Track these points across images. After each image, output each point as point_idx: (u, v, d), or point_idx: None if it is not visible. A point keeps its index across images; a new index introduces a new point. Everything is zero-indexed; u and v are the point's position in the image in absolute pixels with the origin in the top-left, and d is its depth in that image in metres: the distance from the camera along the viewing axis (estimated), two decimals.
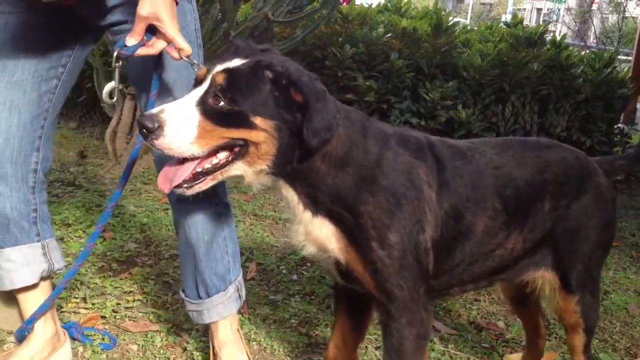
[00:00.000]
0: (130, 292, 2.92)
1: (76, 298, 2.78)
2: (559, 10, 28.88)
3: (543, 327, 2.45)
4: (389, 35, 5.77)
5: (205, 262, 2.17)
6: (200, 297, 2.21)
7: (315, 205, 1.77)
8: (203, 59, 2.13)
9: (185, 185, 1.68)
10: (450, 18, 6.21)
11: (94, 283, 2.94)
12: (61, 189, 4.31)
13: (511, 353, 2.70)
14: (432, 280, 1.90)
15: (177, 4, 1.85)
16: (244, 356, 2.30)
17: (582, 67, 5.69)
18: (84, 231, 3.54)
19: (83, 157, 5.26)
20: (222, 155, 1.68)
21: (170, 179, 1.68)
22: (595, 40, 13.10)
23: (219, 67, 1.66)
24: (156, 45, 1.85)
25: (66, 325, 2.44)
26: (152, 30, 1.83)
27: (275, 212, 4.22)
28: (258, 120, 1.61)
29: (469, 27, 7.38)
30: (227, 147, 1.67)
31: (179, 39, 1.83)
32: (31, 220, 2.13)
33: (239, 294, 2.28)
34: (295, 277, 3.30)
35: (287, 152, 1.66)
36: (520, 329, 2.81)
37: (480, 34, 6.15)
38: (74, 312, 2.69)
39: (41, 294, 2.19)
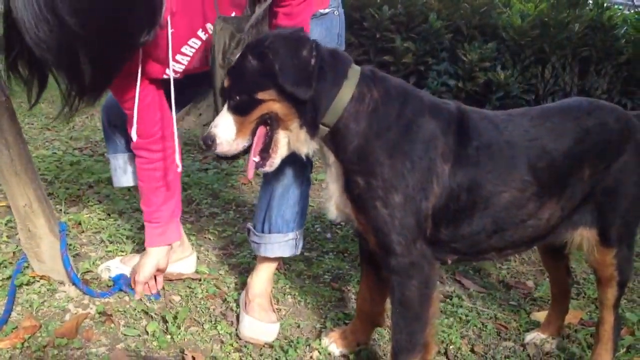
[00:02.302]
0: None
1: (122, 252, 2.95)
2: None
3: (569, 284, 2.51)
4: None
5: (278, 202, 2.42)
6: (263, 231, 2.47)
7: (344, 174, 1.94)
8: None
9: (261, 167, 1.99)
10: None
11: (139, 238, 3.10)
12: None
13: (538, 311, 2.77)
14: (453, 244, 2.01)
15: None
16: (271, 311, 2.50)
17: (625, 27, 5.58)
18: (128, 189, 3.69)
19: None
20: (268, 129, 1.94)
21: (248, 169, 2.00)
22: None
23: (227, 72, 1.97)
24: None
25: (115, 277, 2.63)
26: None
27: (311, 173, 4.32)
28: (260, 95, 1.85)
29: None
30: (265, 124, 1.92)
31: None
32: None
33: (296, 244, 2.51)
34: (329, 235, 3.42)
35: (304, 106, 1.86)
36: (548, 288, 2.88)
37: None
38: None
39: None
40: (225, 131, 1.92)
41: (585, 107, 2.09)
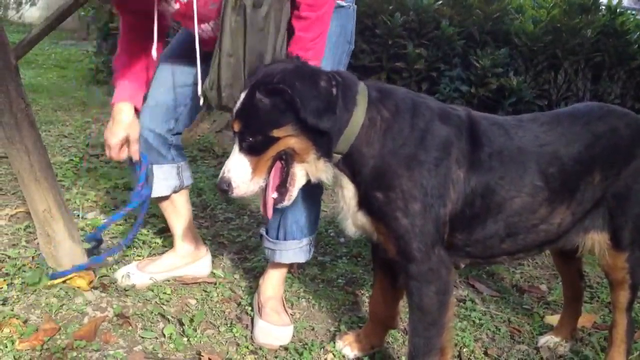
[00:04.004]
0: None
1: (139, 256, 2.99)
2: None
3: (582, 288, 2.52)
4: (440, 2, 5.73)
5: (293, 211, 2.43)
6: (278, 238, 2.50)
7: (359, 192, 1.95)
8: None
9: (280, 202, 1.97)
10: None
11: (155, 242, 3.15)
12: None
13: (552, 315, 2.78)
14: (467, 248, 2.03)
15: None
16: (284, 314, 2.52)
17: (638, 33, 5.56)
18: None
19: None
20: (283, 164, 1.93)
21: (267, 206, 1.98)
22: None
23: (234, 115, 1.91)
24: None
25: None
26: None
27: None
28: (276, 133, 1.83)
29: None
30: (280, 159, 1.91)
31: None
32: (169, 150, 2.68)
33: (310, 249, 2.55)
34: (342, 240, 3.45)
35: (322, 137, 1.85)
36: (562, 292, 2.88)
37: (533, 0, 6.06)
38: None
39: (172, 205, 2.81)
40: (241, 173, 1.89)
41: (596, 113, 2.11)
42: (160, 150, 2.65)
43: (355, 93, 1.90)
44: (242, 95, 1.90)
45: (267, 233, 2.57)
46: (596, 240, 2.14)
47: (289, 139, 1.84)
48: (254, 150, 1.87)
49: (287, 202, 1.98)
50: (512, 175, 1.96)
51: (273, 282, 2.59)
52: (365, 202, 1.95)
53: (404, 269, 1.95)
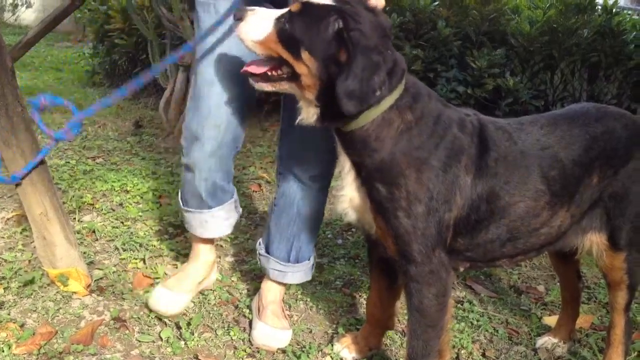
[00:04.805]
0: (186, 254, 3.08)
1: (136, 259, 2.98)
2: None
3: (580, 289, 2.52)
4: (436, 3, 5.74)
5: (310, 234, 2.49)
6: (289, 261, 2.50)
7: (361, 175, 1.93)
8: None
9: (254, 79, 1.93)
10: None
11: (152, 245, 3.14)
12: (119, 157, 4.53)
13: (549, 316, 2.78)
14: (468, 252, 2.03)
15: None
16: (284, 318, 2.52)
17: (634, 33, 5.57)
18: (141, 197, 3.75)
19: (139, 127, 5.46)
20: (283, 71, 1.89)
21: (249, 66, 1.94)
22: None
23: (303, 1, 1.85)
24: None
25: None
26: None
27: None
28: (305, 55, 1.78)
29: None
30: (284, 66, 1.86)
31: None
32: (229, 182, 2.52)
33: (314, 263, 2.60)
34: (340, 241, 3.44)
35: (330, 99, 1.78)
36: (559, 293, 2.88)
37: (529, 1, 6.06)
38: (134, 270, 2.89)
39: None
40: (257, 28, 1.84)
41: (592, 114, 2.11)
42: (224, 186, 2.48)
43: (387, 93, 1.83)
44: (329, 1, 1.83)
45: (267, 251, 2.55)
46: (594, 241, 2.15)
47: (306, 68, 1.79)
48: (280, 33, 1.83)
49: (256, 85, 1.94)
50: (516, 179, 1.96)
51: (274, 287, 2.58)
52: (366, 187, 1.92)
53: (404, 269, 1.95)
